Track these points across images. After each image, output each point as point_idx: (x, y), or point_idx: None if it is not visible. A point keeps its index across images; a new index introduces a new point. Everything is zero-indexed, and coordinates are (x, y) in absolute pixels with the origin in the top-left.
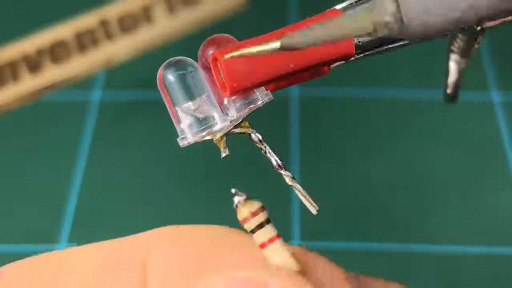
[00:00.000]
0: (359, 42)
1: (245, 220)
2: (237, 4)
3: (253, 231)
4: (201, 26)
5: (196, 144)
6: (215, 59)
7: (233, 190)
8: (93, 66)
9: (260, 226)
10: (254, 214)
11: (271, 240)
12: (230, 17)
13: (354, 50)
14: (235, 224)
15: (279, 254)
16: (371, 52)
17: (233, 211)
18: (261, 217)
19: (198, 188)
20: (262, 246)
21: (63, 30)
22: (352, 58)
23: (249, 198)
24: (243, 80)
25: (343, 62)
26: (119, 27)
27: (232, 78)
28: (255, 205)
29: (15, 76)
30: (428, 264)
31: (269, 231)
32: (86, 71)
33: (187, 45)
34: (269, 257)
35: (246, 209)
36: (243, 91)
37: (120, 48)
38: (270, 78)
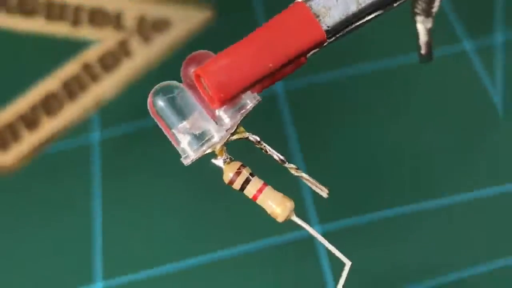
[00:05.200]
0: (328, 27)
1: (232, 180)
2: (204, 20)
3: (242, 188)
4: (176, 47)
5: (200, 159)
6: (198, 76)
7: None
8: (85, 110)
9: (247, 181)
10: (238, 172)
11: (260, 190)
12: (201, 34)
13: (326, 36)
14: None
15: (272, 199)
16: (341, 33)
17: (257, 219)
18: (245, 173)
19: (212, 202)
20: (255, 198)
21: (50, 83)
22: (326, 44)
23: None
24: (228, 89)
25: (317, 49)
26: (101, 67)
27: (218, 89)
28: (236, 164)
29: (15, 137)
30: (440, 216)
31: (256, 183)
32: (80, 116)
33: (168, 68)
34: (264, 205)
35: (229, 169)
36: (231, 99)
37: (107, 87)
38: (253, 81)
